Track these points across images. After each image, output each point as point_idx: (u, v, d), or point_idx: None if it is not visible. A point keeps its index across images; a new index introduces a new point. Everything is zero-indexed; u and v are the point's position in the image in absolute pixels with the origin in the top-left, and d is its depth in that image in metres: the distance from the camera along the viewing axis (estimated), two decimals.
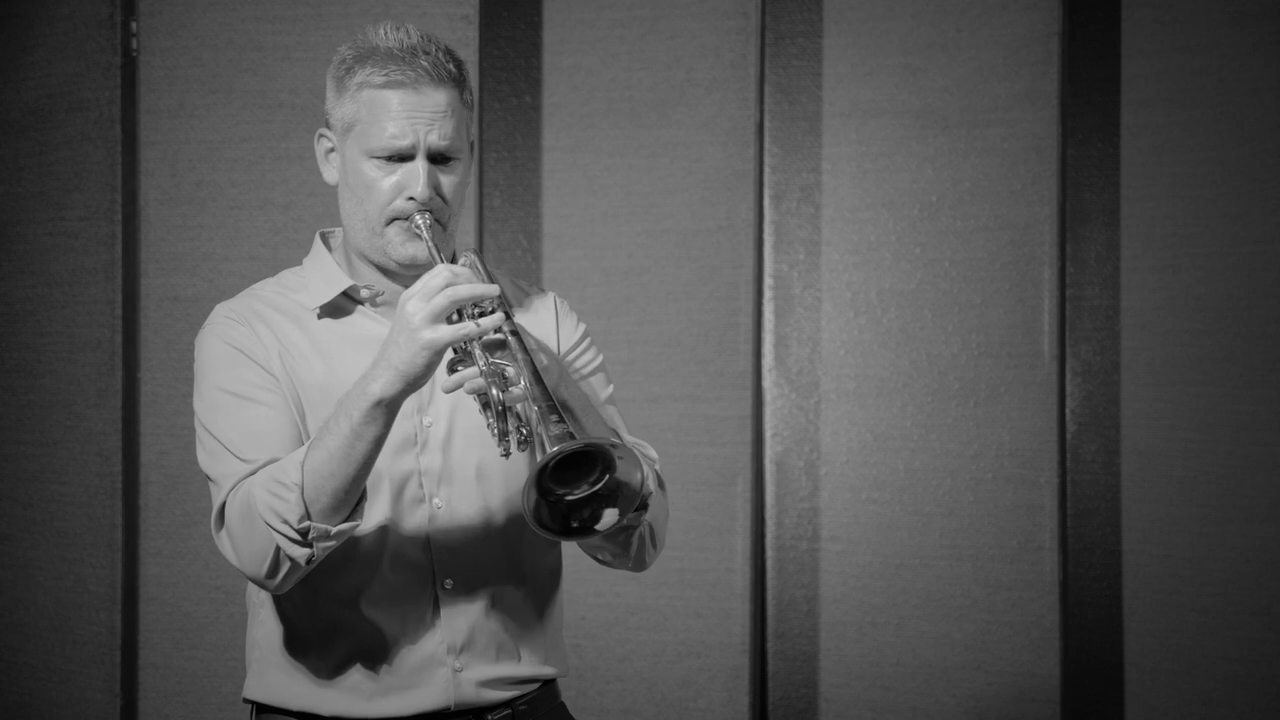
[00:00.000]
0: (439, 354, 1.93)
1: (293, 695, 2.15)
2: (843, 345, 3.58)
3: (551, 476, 1.86)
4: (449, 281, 1.94)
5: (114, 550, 3.45)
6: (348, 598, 2.11)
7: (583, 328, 2.28)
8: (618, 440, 1.90)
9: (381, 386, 1.94)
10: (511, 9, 3.58)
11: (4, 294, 3.61)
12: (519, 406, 1.93)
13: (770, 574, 3.60)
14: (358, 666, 2.12)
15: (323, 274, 2.18)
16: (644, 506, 2.03)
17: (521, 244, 3.61)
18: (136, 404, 3.48)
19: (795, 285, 3.61)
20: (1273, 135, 3.30)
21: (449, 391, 1.98)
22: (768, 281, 3.60)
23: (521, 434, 1.92)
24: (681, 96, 3.50)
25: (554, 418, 1.86)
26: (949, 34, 3.49)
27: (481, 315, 1.96)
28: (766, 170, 3.59)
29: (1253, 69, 3.32)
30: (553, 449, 1.82)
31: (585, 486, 1.90)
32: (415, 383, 1.95)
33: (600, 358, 2.28)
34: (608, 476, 1.89)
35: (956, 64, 3.49)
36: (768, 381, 3.61)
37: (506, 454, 1.93)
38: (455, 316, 1.95)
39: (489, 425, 1.94)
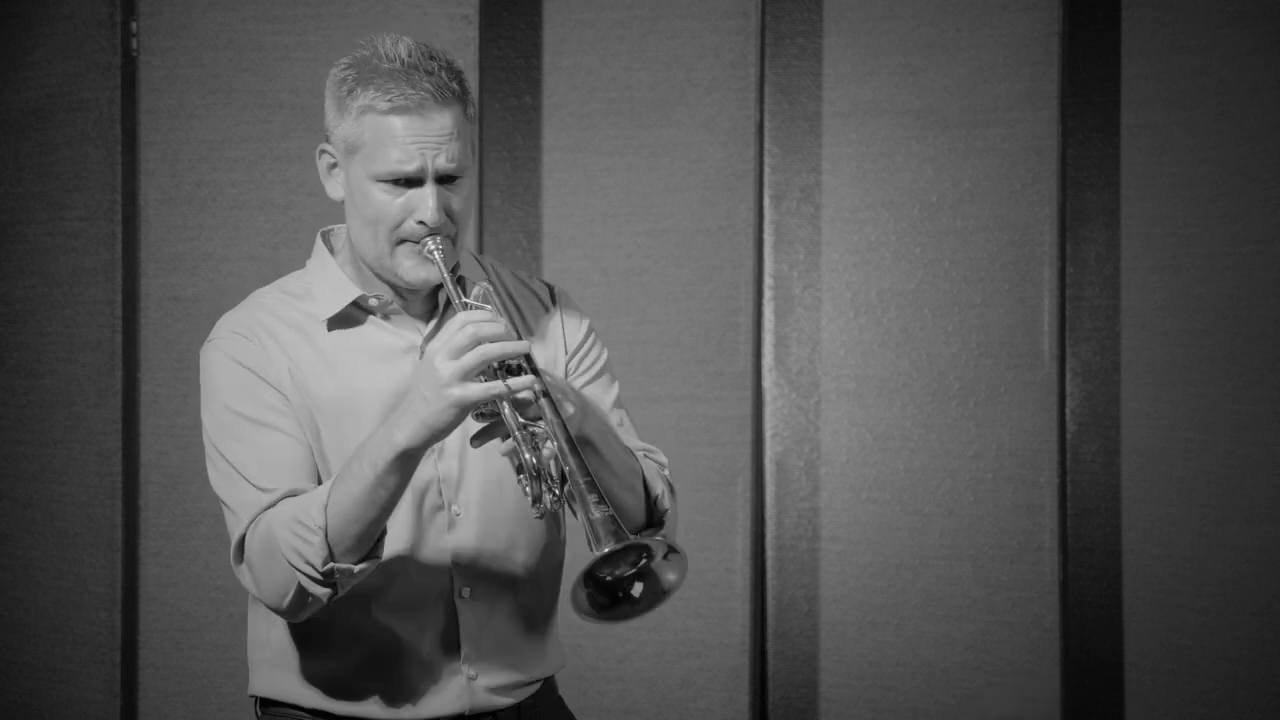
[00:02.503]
0: (466, 411, 1.93)
1: (305, 696, 2.15)
2: (843, 345, 3.58)
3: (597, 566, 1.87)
4: (476, 338, 1.92)
5: (114, 550, 3.45)
6: (366, 604, 2.11)
7: (587, 323, 2.26)
8: (662, 537, 1.90)
9: (406, 438, 1.94)
10: (511, 9, 3.58)
11: (4, 294, 3.60)
12: (547, 470, 1.93)
13: (770, 574, 3.60)
14: (372, 671, 2.12)
15: (329, 282, 2.16)
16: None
17: (521, 244, 3.61)
18: (136, 404, 3.47)
19: (795, 285, 3.61)
20: (1273, 135, 3.30)
21: (477, 447, 1.99)
22: (768, 281, 3.60)
23: (554, 494, 1.92)
24: (681, 96, 3.50)
25: (594, 497, 1.86)
26: (949, 34, 3.49)
27: (509, 371, 1.95)
28: (766, 170, 3.59)
29: (1253, 69, 3.32)
30: (602, 549, 1.83)
31: (626, 567, 1.90)
32: (440, 435, 1.95)
33: (605, 355, 2.26)
34: (645, 561, 1.90)
35: (956, 64, 3.49)
36: (768, 381, 3.61)
37: (540, 516, 1.94)
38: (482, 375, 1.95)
39: (520, 484, 1.94)
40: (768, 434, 3.60)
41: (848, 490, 3.56)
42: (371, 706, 2.13)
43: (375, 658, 2.12)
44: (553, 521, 2.21)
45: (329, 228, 2.24)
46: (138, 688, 3.49)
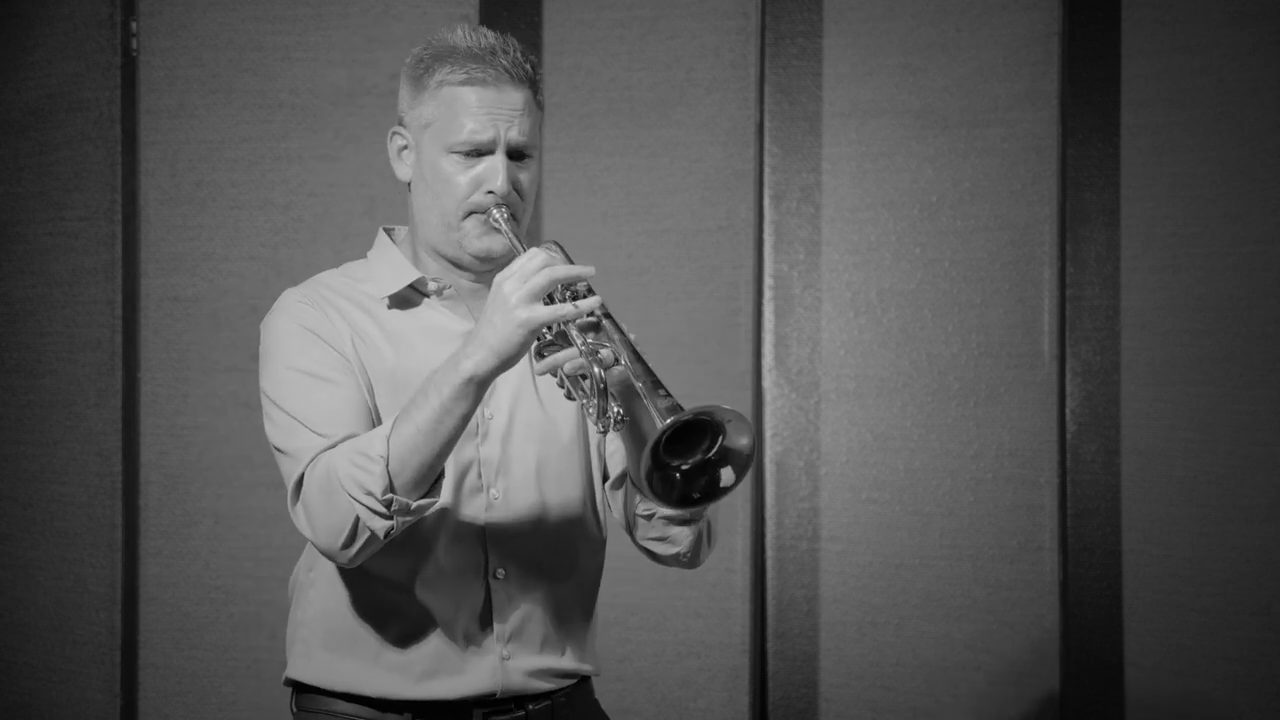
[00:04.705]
0: (534, 333, 1.96)
1: (339, 675, 2.16)
2: (843, 345, 3.58)
3: (665, 448, 1.90)
4: (546, 263, 1.96)
5: (114, 550, 3.46)
6: (402, 580, 2.13)
7: (633, 336, 2.29)
8: (727, 406, 1.93)
9: (474, 364, 1.96)
10: (511, 9, 3.58)
11: (4, 294, 3.61)
12: (612, 387, 1.96)
13: (770, 574, 3.60)
14: (407, 648, 2.14)
15: (390, 265, 2.21)
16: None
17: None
18: (136, 404, 3.48)
19: (795, 285, 3.61)
20: (1273, 135, 3.30)
21: (542, 374, 2.01)
22: (768, 281, 3.60)
23: (618, 413, 1.95)
24: (681, 96, 3.50)
25: (661, 392, 1.90)
26: (949, 34, 3.49)
27: (574, 298, 1.98)
28: (766, 170, 3.59)
29: (1253, 69, 3.32)
30: (669, 419, 1.86)
31: (698, 455, 1.94)
32: (508, 362, 1.96)
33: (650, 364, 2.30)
34: (720, 441, 1.93)
35: (956, 64, 3.49)
36: (768, 381, 3.61)
37: (605, 431, 1.96)
38: (548, 299, 1.98)
39: (583, 405, 1.97)
40: (768, 434, 3.60)
41: (848, 490, 3.56)
42: (405, 682, 2.14)
43: (409, 633, 2.14)
44: (594, 518, 2.24)
45: (390, 226, 2.28)
46: (138, 688, 3.49)
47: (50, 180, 3.53)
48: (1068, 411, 3.53)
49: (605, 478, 2.25)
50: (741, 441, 1.93)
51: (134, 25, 3.47)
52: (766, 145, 3.58)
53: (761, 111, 3.50)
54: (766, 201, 3.59)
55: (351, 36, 3.46)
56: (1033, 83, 3.44)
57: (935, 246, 3.52)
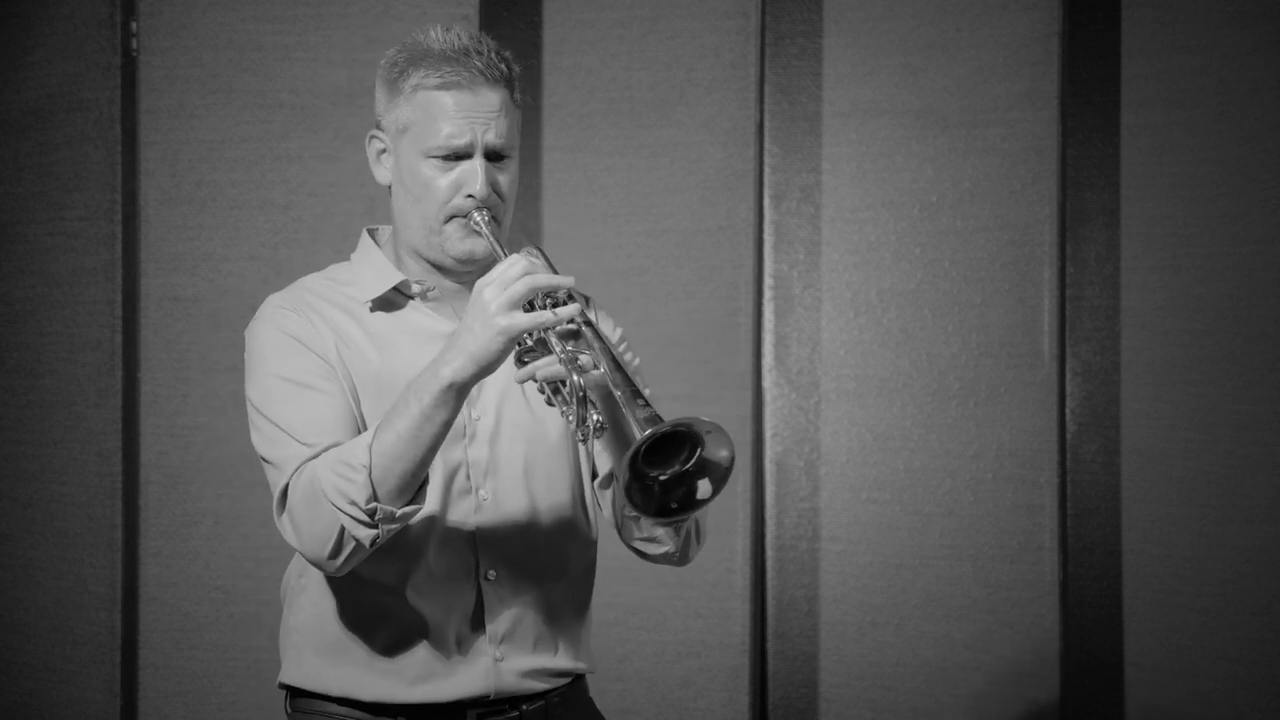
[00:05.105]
0: (514, 340, 1.96)
1: (332, 680, 2.17)
2: (843, 345, 3.58)
3: (643, 459, 1.89)
4: (526, 270, 1.96)
5: (114, 550, 3.46)
6: (392, 585, 2.13)
7: (620, 331, 2.31)
8: (706, 418, 1.92)
9: (454, 371, 1.96)
10: (511, 9, 3.58)
11: (4, 294, 3.61)
12: (592, 395, 1.96)
13: (770, 574, 3.60)
14: (399, 652, 2.14)
15: (373, 268, 2.21)
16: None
17: (521, 244, 3.60)
18: (136, 404, 3.48)
19: (795, 285, 3.61)
20: (1273, 135, 3.30)
21: (522, 382, 2.01)
22: (768, 281, 3.60)
23: (597, 421, 1.94)
24: (681, 96, 3.50)
25: (640, 401, 1.90)
26: (949, 34, 3.49)
27: (554, 306, 1.98)
28: (766, 170, 3.59)
29: (1253, 69, 3.32)
30: (647, 431, 1.85)
31: (676, 465, 1.93)
32: (488, 368, 1.96)
33: (637, 360, 2.29)
34: (699, 453, 1.92)
35: (956, 64, 3.49)
36: (768, 381, 3.61)
37: (584, 439, 1.96)
38: (528, 306, 1.98)
39: (563, 413, 1.96)
40: (768, 434, 3.60)
41: (848, 490, 3.56)
42: (398, 686, 2.14)
43: (401, 637, 2.14)
44: (584, 517, 2.24)
45: (373, 226, 2.28)
46: (138, 688, 3.49)
47: (50, 180, 3.53)
48: (1068, 411, 3.53)
49: (594, 475, 2.25)
50: (721, 454, 1.92)
51: (134, 25, 3.47)
52: (766, 145, 3.58)
53: (761, 111, 3.50)
54: (766, 201, 3.58)
55: (351, 36, 3.46)
56: (1033, 83, 3.44)
57: (935, 246, 3.52)
